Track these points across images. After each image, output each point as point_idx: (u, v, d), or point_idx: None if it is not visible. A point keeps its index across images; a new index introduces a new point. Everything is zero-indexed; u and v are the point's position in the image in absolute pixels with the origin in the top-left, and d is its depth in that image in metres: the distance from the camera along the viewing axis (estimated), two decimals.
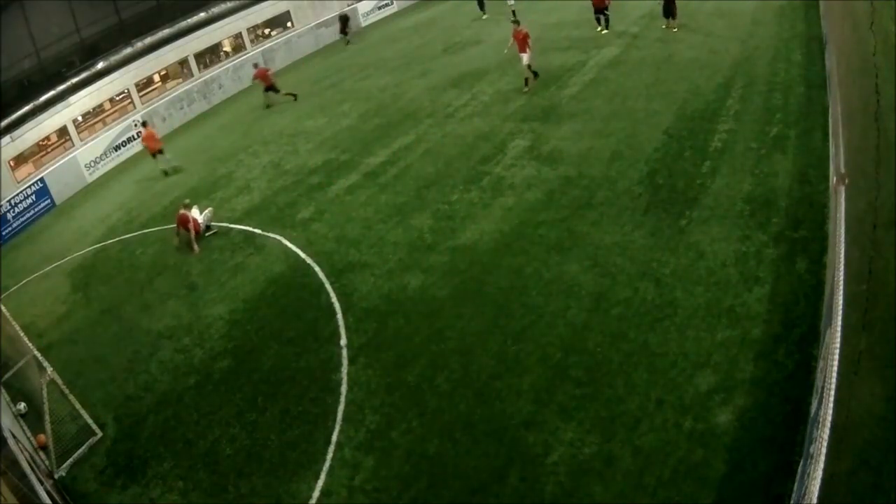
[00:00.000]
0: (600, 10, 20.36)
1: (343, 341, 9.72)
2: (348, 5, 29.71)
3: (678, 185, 11.31)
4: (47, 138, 20.48)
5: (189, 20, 24.66)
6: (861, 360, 4.07)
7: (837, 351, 4.18)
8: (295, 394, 9.01)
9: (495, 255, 10.72)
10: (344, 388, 8.82)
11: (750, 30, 17.73)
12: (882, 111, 4.79)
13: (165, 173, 18.41)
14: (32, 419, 9.51)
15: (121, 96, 22.74)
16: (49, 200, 19.04)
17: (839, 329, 4.39)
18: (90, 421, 9.27)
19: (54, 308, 13.10)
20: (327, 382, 9.02)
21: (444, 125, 16.50)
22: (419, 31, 27.09)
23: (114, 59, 22.32)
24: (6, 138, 18.69)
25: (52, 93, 20.35)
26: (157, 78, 24.35)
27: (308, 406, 8.74)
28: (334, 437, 8.09)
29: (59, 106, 20.42)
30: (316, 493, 7.43)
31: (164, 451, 8.70)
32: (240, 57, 26.07)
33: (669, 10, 19.02)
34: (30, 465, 7.40)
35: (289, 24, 28.46)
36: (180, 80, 24.63)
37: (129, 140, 21.56)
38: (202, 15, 25.17)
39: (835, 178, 7.38)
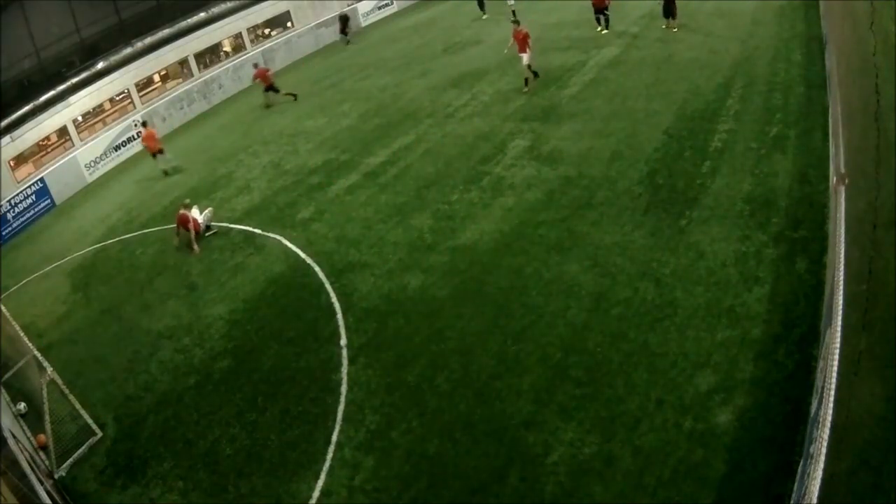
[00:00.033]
0: (600, 10, 20.36)
1: (343, 341, 9.72)
2: (348, 5, 29.71)
3: (678, 185, 11.31)
4: (47, 138, 20.48)
5: (189, 20, 24.65)
6: (861, 360, 4.07)
7: (837, 351, 4.18)
8: (295, 394, 9.01)
9: (495, 255, 10.72)
10: (344, 388, 8.82)
11: (750, 30, 17.73)
12: (882, 111, 4.79)
13: (166, 173, 18.40)
14: (32, 419, 9.51)
15: (121, 96, 22.73)
16: (49, 200, 19.04)
17: (839, 329, 4.39)
18: (90, 421, 9.27)
19: (54, 308, 13.11)
20: (327, 382, 9.03)
21: (444, 125, 16.51)
22: (419, 31, 27.09)
23: (114, 59, 22.32)
24: (6, 138, 18.69)
25: (52, 93, 20.35)
26: (157, 78, 24.34)
27: (308, 406, 8.74)
28: (334, 437, 8.10)
29: (59, 106, 20.42)
30: (316, 493, 7.43)
31: (164, 451, 8.70)
32: (240, 57, 26.07)
33: (669, 10, 19.02)
34: (30, 465, 7.40)
35: (289, 24, 28.46)
36: (180, 80, 24.63)
37: (129, 140, 21.55)
38: (202, 15, 25.17)
39: (835, 178, 7.38)
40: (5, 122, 18.88)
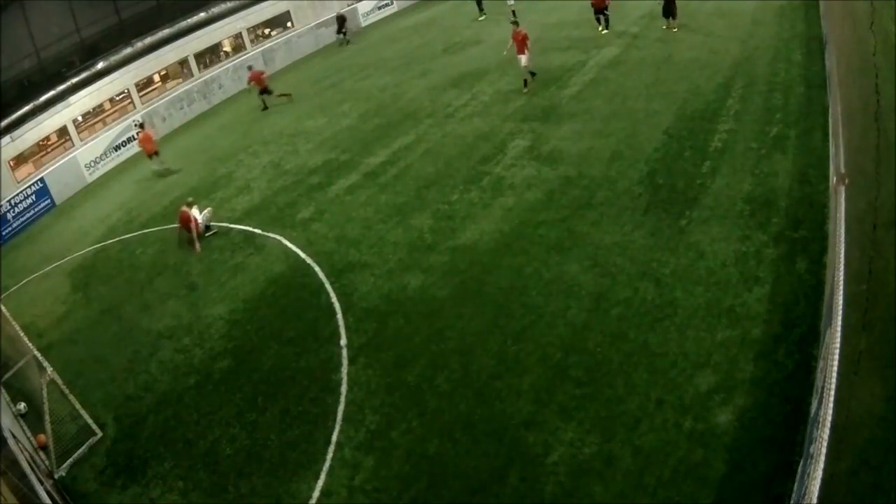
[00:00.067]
0: (600, 10, 20.35)
1: (343, 341, 9.72)
2: (348, 5, 29.69)
3: (678, 185, 11.31)
4: (47, 138, 20.48)
5: (189, 20, 24.65)
6: (861, 360, 4.07)
7: (837, 351, 4.18)
8: (295, 394, 9.01)
9: (495, 255, 10.72)
10: (344, 388, 8.82)
11: (750, 30, 17.72)
12: (882, 111, 4.79)
13: (159, 175, 18.46)
14: (32, 419, 9.51)
15: (121, 96, 22.73)
16: (49, 200, 19.04)
17: (839, 329, 4.39)
18: (90, 421, 9.28)
19: (54, 308, 13.11)
20: (327, 382, 9.03)
21: (444, 125, 16.50)
22: (419, 31, 27.09)
23: (114, 59, 22.32)
24: (6, 138, 18.70)
25: (52, 93, 20.36)
26: (157, 78, 24.34)
27: (308, 406, 8.74)
28: (334, 437, 8.10)
29: (59, 106, 20.42)
30: (316, 493, 7.43)
31: (164, 451, 8.70)
32: (240, 57, 26.06)
33: (669, 10, 19.02)
34: (30, 465, 7.40)
35: (289, 24, 28.45)
36: (180, 80, 24.62)
37: (129, 140, 21.55)
38: (202, 15, 25.17)
39: (835, 178, 7.38)
40: (5, 122, 18.89)
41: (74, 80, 21.12)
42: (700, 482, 6.32)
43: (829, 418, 3.82)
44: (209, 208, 14.39)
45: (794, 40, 16.38)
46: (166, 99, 23.42)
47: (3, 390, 9.04)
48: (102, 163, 20.83)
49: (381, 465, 7.54)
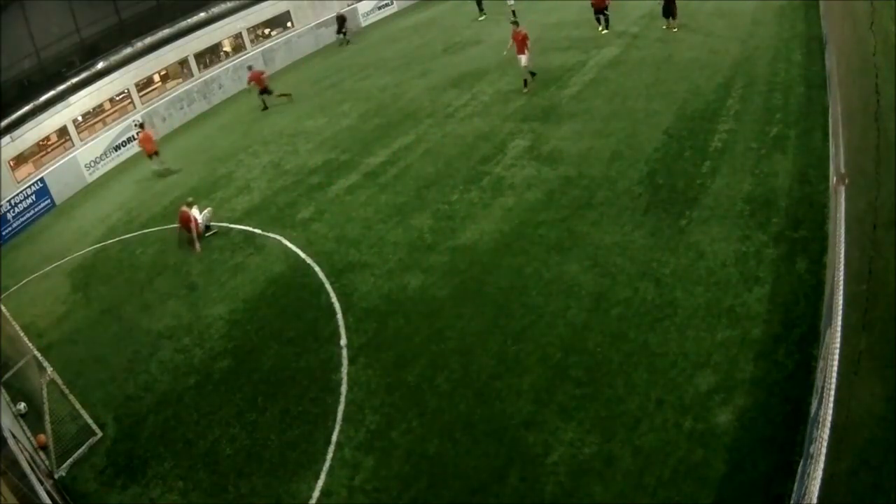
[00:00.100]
0: (600, 10, 20.35)
1: (343, 341, 9.72)
2: (348, 5, 29.69)
3: (678, 185, 11.31)
4: (47, 138, 20.49)
5: (189, 20, 24.65)
6: (861, 360, 4.07)
7: (837, 351, 4.18)
8: (295, 394, 9.01)
9: (495, 255, 10.72)
10: (344, 388, 8.82)
11: (750, 30, 17.72)
12: (882, 111, 4.79)
13: (159, 175, 18.47)
14: (32, 419, 9.51)
15: (121, 96, 22.74)
16: (49, 200, 19.04)
17: (839, 329, 4.39)
18: (90, 421, 9.28)
19: (54, 308, 13.11)
20: (327, 382, 9.03)
21: (444, 125, 16.50)
22: (419, 31, 27.09)
23: (114, 59, 22.32)
24: (6, 138, 18.70)
25: (52, 93, 20.36)
26: (157, 78, 24.34)
27: (308, 406, 8.74)
28: (334, 437, 8.10)
29: (59, 106, 20.43)
30: (316, 493, 7.43)
31: (164, 451, 8.70)
32: (240, 57, 26.06)
33: (669, 10, 19.02)
34: (30, 465, 7.40)
35: (289, 24, 28.45)
36: (180, 80, 24.63)
37: (129, 140, 21.56)
38: (202, 15, 25.17)
39: (835, 178, 7.38)
40: (5, 122, 18.89)
41: (74, 80, 21.12)
42: (700, 482, 6.32)
43: (829, 418, 3.82)
44: (209, 208, 14.39)
45: (794, 40, 16.39)
46: (166, 99, 23.42)
47: (3, 390, 9.04)
48: (102, 163, 20.83)
49: (381, 465, 7.54)
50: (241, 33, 26.63)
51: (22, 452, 7.52)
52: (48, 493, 7.16)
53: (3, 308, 10.02)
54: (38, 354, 8.93)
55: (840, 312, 4.49)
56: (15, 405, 9.70)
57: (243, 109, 22.89)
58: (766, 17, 18.49)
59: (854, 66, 7.44)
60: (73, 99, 20.87)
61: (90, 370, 10.78)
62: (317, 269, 11.73)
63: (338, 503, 7.26)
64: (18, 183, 18.58)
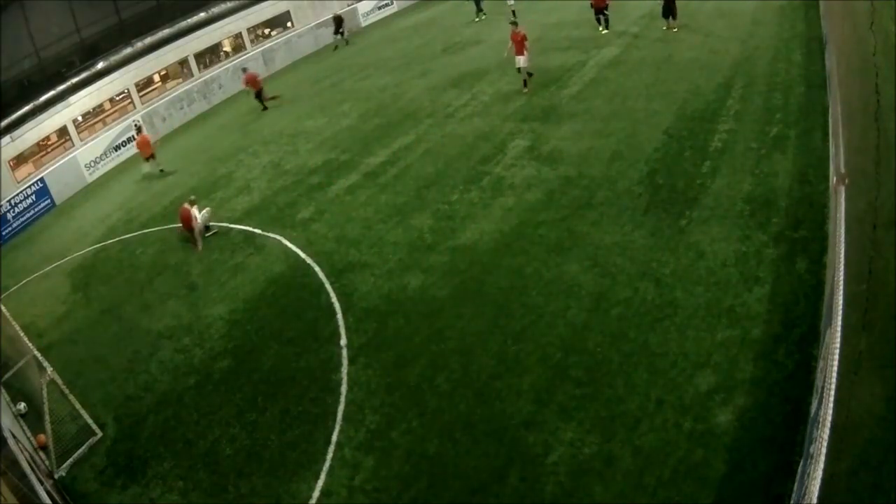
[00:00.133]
0: (600, 10, 20.35)
1: (343, 341, 9.72)
2: (348, 5, 29.67)
3: (678, 185, 11.31)
4: (47, 138, 20.50)
5: (189, 20, 24.66)
6: (861, 360, 4.07)
7: (837, 351, 4.18)
8: (295, 394, 9.01)
9: (495, 255, 10.72)
10: (344, 388, 8.82)
11: (750, 30, 17.72)
12: (882, 111, 4.80)
13: (159, 175, 18.49)
14: (32, 419, 9.51)
15: (121, 96, 22.75)
16: (49, 200, 19.05)
17: (839, 329, 4.39)
18: (90, 421, 9.28)
19: (54, 308, 13.11)
20: (327, 382, 9.03)
21: (444, 125, 16.50)
22: (419, 31, 27.09)
23: (114, 59, 22.33)
24: (6, 138, 18.70)
25: (52, 93, 20.37)
26: (157, 78, 24.36)
27: (308, 406, 8.74)
28: (334, 437, 8.10)
29: (59, 106, 20.44)
30: (316, 493, 7.43)
31: (164, 451, 8.70)
32: (240, 57, 26.07)
33: (670, 11, 19.01)
34: (30, 465, 7.40)
35: (289, 24, 28.46)
36: (180, 80, 24.63)
37: (129, 140, 21.54)
38: (202, 15, 25.17)
39: (835, 178, 7.38)
40: (5, 122, 18.90)
41: (74, 80, 21.13)
42: (700, 482, 6.32)
43: (829, 418, 3.82)
44: (208, 208, 14.38)
45: (794, 40, 16.38)
46: (166, 99, 23.43)
47: (3, 390, 9.04)
48: (102, 163, 20.84)
49: (381, 465, 7.55)
50: (241, 33, 26.63)
51: (22, 452, 7.52)
52: (48, 493, 7.16)
53: (3, 308, 10.03)
54: (38, 354, 8.93)
55: (840, 312, 4.49)
56: (15, 405, 9.70)
57: (243, 109, 22.89)
58: (766, 17, 18.48)
59: (854, 66, 7.44)
60: (73, 99, 20.88)
61: (90, 370, 10.79)
62: (317, 269, 11.73)
63: (338, 503, 7.26)
64: (18, 183, 18.59)
